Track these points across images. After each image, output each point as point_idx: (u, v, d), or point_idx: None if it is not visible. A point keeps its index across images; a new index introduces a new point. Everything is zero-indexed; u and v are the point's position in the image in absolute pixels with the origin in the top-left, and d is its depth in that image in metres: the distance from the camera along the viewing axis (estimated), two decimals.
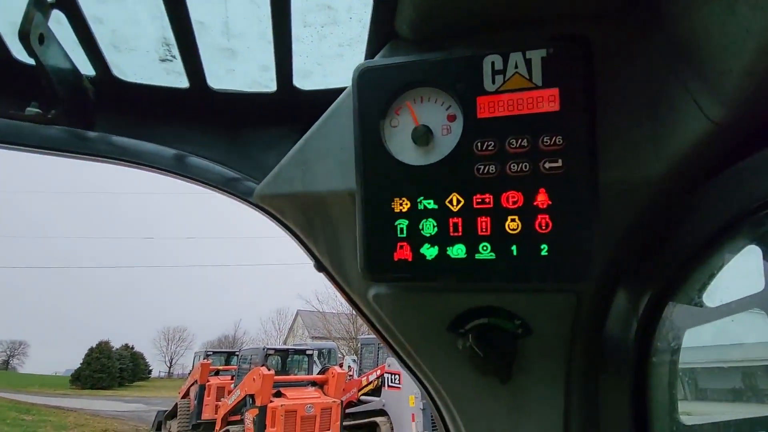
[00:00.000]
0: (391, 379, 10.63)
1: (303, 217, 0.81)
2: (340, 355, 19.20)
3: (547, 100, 0.62)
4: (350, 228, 0.75)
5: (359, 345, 14.21)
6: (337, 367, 10.34)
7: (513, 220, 0.62)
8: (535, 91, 0.63)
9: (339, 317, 31.70)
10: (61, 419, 16.71)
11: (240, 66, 0.93)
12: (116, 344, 46.05)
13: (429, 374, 0.80)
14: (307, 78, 0.93)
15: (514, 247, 0.63)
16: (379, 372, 11.56)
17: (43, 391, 34.09)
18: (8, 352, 69.55)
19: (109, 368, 41.42)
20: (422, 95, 0.68)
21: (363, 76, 0.70)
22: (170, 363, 65.83)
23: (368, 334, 23.18)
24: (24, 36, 0.72)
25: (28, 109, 0.82)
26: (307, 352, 11.43)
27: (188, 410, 13.37)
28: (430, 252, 0.65)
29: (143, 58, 0.90)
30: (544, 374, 0.75)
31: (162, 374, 63.80)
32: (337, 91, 0.95)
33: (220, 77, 0.91)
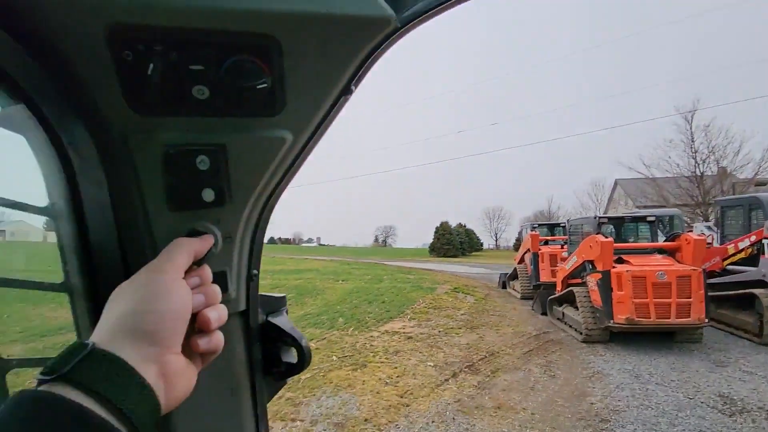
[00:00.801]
0: None
1: None
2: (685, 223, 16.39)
3: None
4: None
5: (717, 209, 11.54)
6: (692, 234, 8.89)
7: None
8: None
9: (676, 181, 26.55)
10: (432, 277, 22.49)
11: None
12: (452, 223, 56.34)
13: None
14: None
15: None
16: (754, 238, 9.20)
17: (413, 258, 46.48)
18: (384, 234, 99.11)
19: (452, 242, 51.83)
20: None
21: None
22: (495, 237, 76.07)
23: (725, 196, 18.42)
24: None
25: None
26: (648, 219, 10.27)
27: (526, 274, 15.14)
28: None
29: None
30: None
31: (491, 246, 74.73)
32: None
33: None
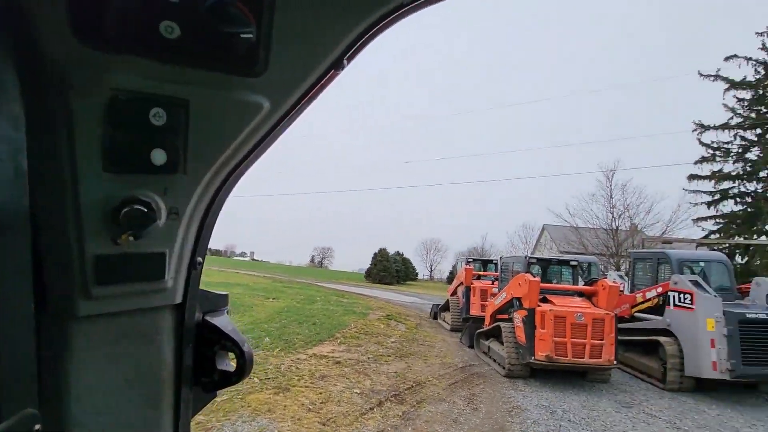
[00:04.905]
0: (680, 298, 9.21)
1: None
2: (601, 271, 17.90)
3: None
4: None
5: (630, 260, 12.76)
6: (608, 280, 9.67)
7: None
8: None
9: (595, 232, 29.11)
10: (365, 302, 22.32)
11: None
12: (390, 251, 56.83)
13: None
14: None
15: None
16: (660, 290, 10.20)
17: (348, 282, 45.94)
18: (321, 255, 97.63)
19: (389, 269, 52.10)
20: None
21: None
22: (431, 268, 77.85)
23: (637, 248, 20.45)
24: None
25: None
26: (571, 263, 11.07)
27: (458, 306, 15.50)
28: None
29: None
30: None
31: (425, 276, 76.16)
32: None
33: None
